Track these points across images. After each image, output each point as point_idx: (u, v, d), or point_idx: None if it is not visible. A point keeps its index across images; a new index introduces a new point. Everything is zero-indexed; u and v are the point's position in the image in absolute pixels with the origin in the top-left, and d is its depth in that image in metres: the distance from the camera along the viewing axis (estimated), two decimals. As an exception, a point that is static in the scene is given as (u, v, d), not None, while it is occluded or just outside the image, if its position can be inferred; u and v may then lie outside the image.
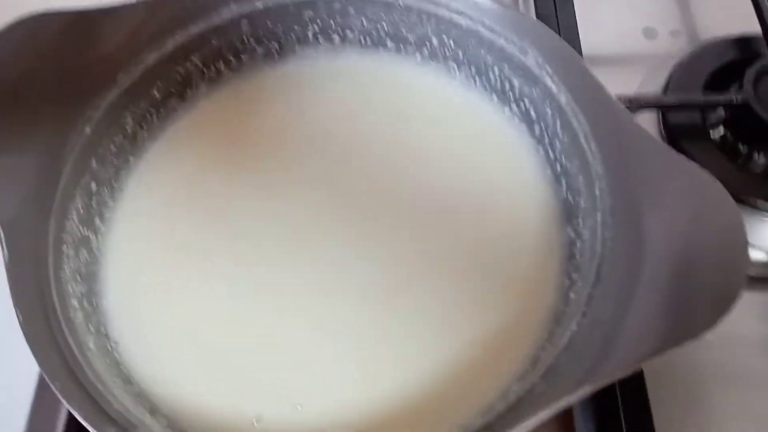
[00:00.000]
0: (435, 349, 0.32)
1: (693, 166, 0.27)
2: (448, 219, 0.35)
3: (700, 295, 0.25)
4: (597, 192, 0.30)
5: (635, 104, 0.46)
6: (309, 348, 0.32)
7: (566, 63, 0.33)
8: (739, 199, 0.44)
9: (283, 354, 0.32)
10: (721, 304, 0.24)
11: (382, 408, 0.30)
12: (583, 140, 0.32)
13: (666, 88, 0.50)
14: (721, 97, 0.46)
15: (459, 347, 0.32)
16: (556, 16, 0.51)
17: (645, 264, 0.27)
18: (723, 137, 0.48)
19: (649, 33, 0.56)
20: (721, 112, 0.48)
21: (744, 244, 0.25)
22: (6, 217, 0.28)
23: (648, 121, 0.49)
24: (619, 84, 0.51)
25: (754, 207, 0.44)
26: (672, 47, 0.55)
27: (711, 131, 0.48)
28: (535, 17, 0.52)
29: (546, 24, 0.49)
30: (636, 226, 0.28)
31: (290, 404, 0.30)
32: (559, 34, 0.49)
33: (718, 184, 0.26)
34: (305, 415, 0.30)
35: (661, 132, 0.48)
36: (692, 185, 0.27)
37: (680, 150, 0.46)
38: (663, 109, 0.48)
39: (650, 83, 0.52)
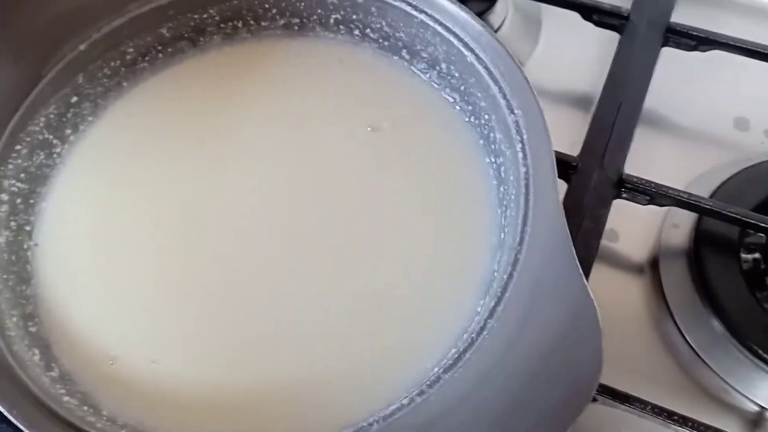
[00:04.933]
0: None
1: (586, 295, 0.25)
2: (390, 238, 0.35)
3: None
4: (505, 277, 0.28)
5: (666, 198, 0.42)
6: (209, 316, 0.33)
7: (538, 137, 0.30)
8: (745, 343, 0.40)
9: (177, 312, 0.33)
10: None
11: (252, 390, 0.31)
12: (521, 220, 0.29)
13: (717, 189, 0.45)
14: (764, 224, 0.40)
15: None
16: (632, 70, 0.47)
17: (506, 364, 0.26)
18: (754, 264, 0.43)
19: (741, 124, 0.50)
20: (762, 238, 0.43)
21: (593, 384, 0.23)
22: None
23: (685, 216, 0.44)
24: (686, 164, 0.48)
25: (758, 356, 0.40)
26: (760, 147, 0.49)
27: (743, 253, 0.43)
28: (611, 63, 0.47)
29: (616, 78, 0.46)
30: (515, 328, 0.26)
31: (147, 358, 0.31)
32: (625, 88, 0.46)
33: (598, 331, 0.24)
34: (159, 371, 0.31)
35: (691, 232, 0.44)
36: (578, 312, 0.25)
37: (701, 261, 0.42)
38: (698, 212, 0.43)
39: (713, 176, 0.47)
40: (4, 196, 0.32)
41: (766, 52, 0.47)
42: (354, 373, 0.31)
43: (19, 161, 0.33)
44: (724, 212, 0.41)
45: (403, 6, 0.35)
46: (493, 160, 0.35)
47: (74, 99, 0.35)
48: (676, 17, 0.49)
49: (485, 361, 0.26)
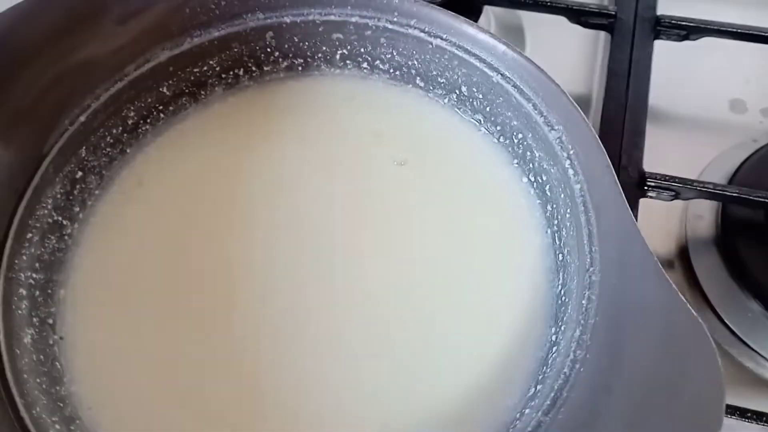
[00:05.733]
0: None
1: (682, 305, 0.23)
2: (437, 272, 0.33)
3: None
4: (584, 302, 0.27)
5: (692, 191, 0.41)
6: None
7: (589, 151, 0.29)
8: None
9: (221, 384, 0.31)
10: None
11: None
12: (586, 239, 0.28)
13: (734, 175, 0.45)
14: (791, 202, 0.40)
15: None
16: (629, 71, 0.47)
17: (611, 399, 0.24)
18: (786, 243, 0.43)
19: (737, 106, 0.51)
20: (789, 216, 0.43)
21: (720, 402, 0.22)
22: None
23: (707, 206, 0.44)
24: (695, 153, 0.47)
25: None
26: (759, 127, 0.50)
27: (773, 233, 0.43)
28: (608, 63, 0.47)
29: (617, 77, 0.46)
30: (610, 356, 0.25)
31: None
32: (627, 87, 0.46)
33: (705, 334, 0.23)
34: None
35: (717, 221, 0.44)
36: (678, 325, 0.23)
37: (733, 247, 0.42)
38: (722, 200, 0.43)
39: (724, 162, 0.47)
40: (23, 291, 0.29)
41: (754, 33, 0.47)
42: (431, 423, 0.29)
43: (32, 250, 0.30)
44: (751, 198, 0.40)
45: (416, 33, 0.34)
46: (532, 179, 0.33)
47: (79, 174, 0.33)
48: (661, 9, 0.49)
49: (586, 398, 0.25)
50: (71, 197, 0.33)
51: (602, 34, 0.52)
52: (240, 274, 0.33)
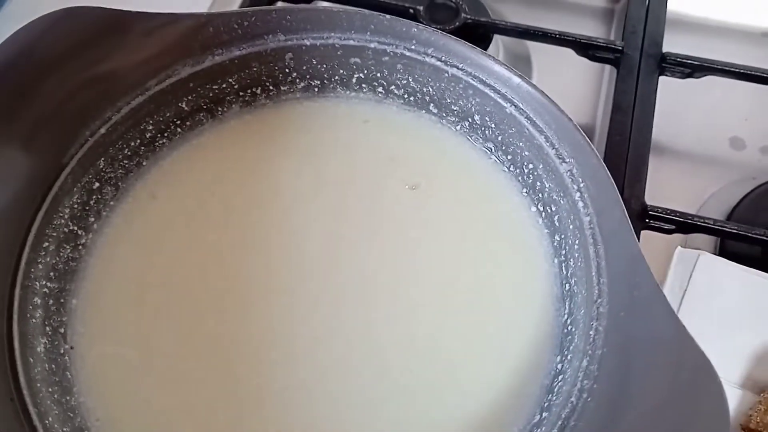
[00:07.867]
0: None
1: (691, 342, 0.24)
2: (444, 296, 0.34)
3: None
4: (592, 333, 0.28)
5: (692, 226, 0.42)
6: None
7: (599, 185, 0.30)
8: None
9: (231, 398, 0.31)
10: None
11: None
12: (594, 271, 0.29)
13: (733, 211, 0.46)
14: (787, 240, 0.41)
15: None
16: (634, 105, 0.48)
17: (618, 430, 0.25)
18: (782, 279, 0.44)
19: (737, 143, 0.52)
20: (785, 254, 0.44)
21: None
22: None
23: (705, 239, 0.45)
24: (694, 187, 0.48)
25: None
26: (758, 164, 0.51)
27: (768, 270, 0.44)
28: (612, 99, 0.48)
29: (621, 110, 0.47)
30: (617, 388, 0.25)
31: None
32: (632, 120, 0.47)
33: (713, 371, 0.23)
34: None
35: (715, 254, 0.44)
36: (686, 361, 0.24)
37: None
38: (721, 236, 0.44)
39: (723, 197, 0.48)
40: (38, 300, 0.30)
41: (755, 73, 0.48)
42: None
43: (48, 259, 0.31)
44: (749, 234, 0.41)
45: (433, 61, 0.35)
46: (541, 209, 0.34)
47: (96, 185, 0.33)
48: (666, 47, 0.50)
49: (593, 428, 0.25)
50: (87, 207, 0.33)
51: (608, 67, 0.53)
52: (251, 290, 0.33)
